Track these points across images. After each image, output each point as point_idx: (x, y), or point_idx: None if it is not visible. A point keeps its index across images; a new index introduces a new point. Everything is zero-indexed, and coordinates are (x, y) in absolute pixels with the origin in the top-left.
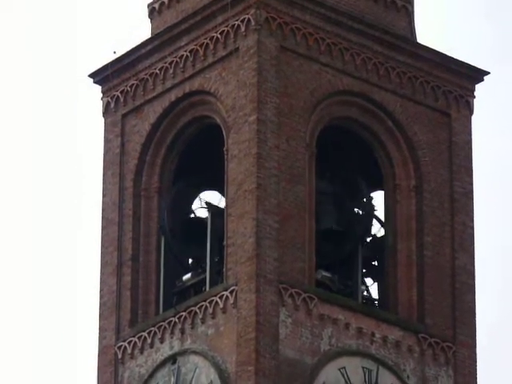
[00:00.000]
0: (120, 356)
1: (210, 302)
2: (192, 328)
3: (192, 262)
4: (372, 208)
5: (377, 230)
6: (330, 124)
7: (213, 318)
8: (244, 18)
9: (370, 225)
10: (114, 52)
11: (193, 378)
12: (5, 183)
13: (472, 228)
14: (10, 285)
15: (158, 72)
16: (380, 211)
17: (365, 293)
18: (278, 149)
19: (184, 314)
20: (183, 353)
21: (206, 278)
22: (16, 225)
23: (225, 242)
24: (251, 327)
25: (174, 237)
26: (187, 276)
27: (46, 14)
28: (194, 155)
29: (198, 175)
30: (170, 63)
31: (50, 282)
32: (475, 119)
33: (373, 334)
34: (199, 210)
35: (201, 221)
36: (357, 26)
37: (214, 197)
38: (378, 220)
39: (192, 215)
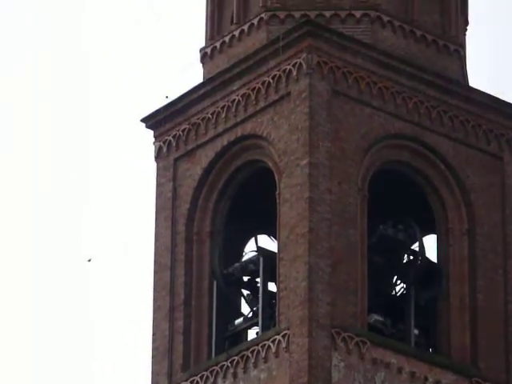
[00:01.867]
0: None
1: (263, 346)
2: (244, 372)
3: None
4: (424, 252)
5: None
6: (382, 167)
7: (265, 362)
8: (296, 63)
9: (423, 269)
10: (167, 97)
11: None
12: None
13: None
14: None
15: (209, 116)
16: (433, 255)
17: (418, 337)
18: (330, 193)
19: (236, 358)
20: None
21: (258, 322)
22: (68, 259)
23: (277, 287)
24: (304, 371)
25: (226, 281)
26: (239, 320)
27: (101, 59)
28: (246, 199)
29: (250, 219)
30: (222, 107)
31: (104, 328)
32: None
33: (426, 378)
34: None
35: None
36: (409, 70)
37: (266, 241)
38: (431, 264)
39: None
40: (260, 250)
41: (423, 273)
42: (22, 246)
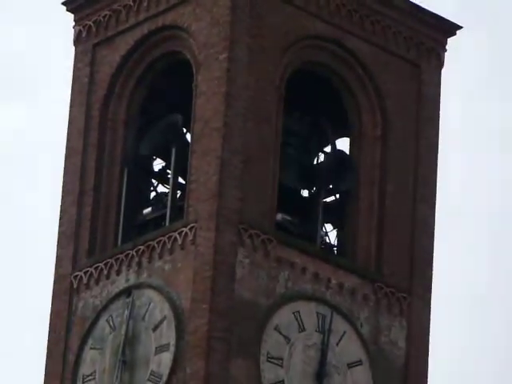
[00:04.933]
0: (75, 285)
1: (169, 238)
2: (149, 262)
3: (153, 197)
4: (336, 155)
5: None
6: (301, 68)
7: (171, 253)
8: None
9: (334, 171)
10: None
11: (146, 312)
12: None
13: (434, 180)
14: None
15: (131, 4)
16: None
17: (324, 238)
18: (247, 88)
19: (142, 247)
20: (138, 286)
21: (166, 213)
22: None
23: (187, 179)
24: (208, 265)
25: (136, 169)
26: (148, 210)
27: None
28: (163, 90)
29: (165, 110)
30: None
31: (10, 209)
32: (445, 72)
33: (329, 280)
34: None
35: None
36: None
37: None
38: (342, 166)
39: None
40: (173, 140)
41: (334, 172)
42: None
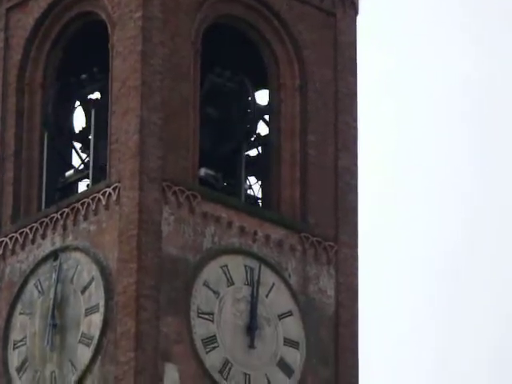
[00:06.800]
0: (1, 252)
1: (93, 199)
2: (74, 224)
3: (75, 159)
4: (256, 106)
5: (261, 128)
6: (216, 22)
7: (95, 214)
8: None
9: (254, 123)
10: None
11: (74, 274)
12: None
13: (355, 128)
14: None
15: None
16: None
17: (248, 191)
18: (163, 46)
19: (66, 210)
20: (65, 249)
21: (88, 174)
22: None
23: (108, 140)
24: (133, 224)
25: (57, 132)
26: (70, 172)
27: None
28: (79, 51)
29: (82, 71)
30: None
31: None
32: (360, 20)
33: (255, 233)
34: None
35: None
36: None
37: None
38: (262, 119)
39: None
40: (92, 102)
41: (255, 127)
42: None
